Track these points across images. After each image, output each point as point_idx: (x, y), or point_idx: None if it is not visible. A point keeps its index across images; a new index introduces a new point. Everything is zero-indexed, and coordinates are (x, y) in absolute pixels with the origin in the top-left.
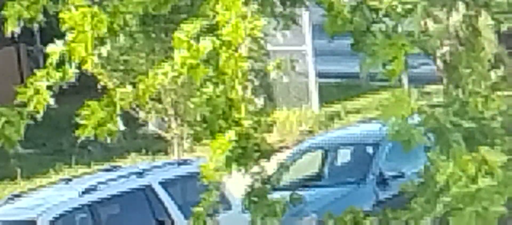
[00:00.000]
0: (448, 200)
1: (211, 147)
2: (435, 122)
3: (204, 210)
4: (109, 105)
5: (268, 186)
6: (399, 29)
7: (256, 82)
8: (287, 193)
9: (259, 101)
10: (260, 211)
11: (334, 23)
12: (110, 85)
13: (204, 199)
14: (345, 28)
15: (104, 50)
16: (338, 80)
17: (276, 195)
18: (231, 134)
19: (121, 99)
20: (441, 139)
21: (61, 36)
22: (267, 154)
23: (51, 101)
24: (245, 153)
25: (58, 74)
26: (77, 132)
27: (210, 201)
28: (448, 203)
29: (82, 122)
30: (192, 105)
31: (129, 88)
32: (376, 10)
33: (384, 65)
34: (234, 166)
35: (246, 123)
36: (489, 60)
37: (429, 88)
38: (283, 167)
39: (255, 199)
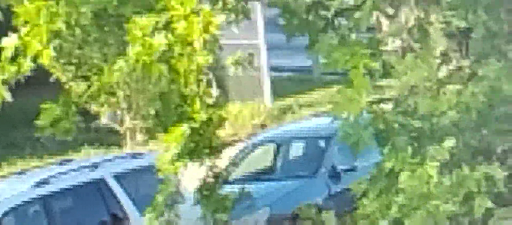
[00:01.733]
0: (401, 201)
1: (165, 141)
2: (383, 123)
3: (162, 200)
4: (65, 103)
5: (219, 181)
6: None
7: (211, 76)
8: (239, 187)
9: (215, 94)
10: (211, 206)
11: (290, 24)
12: (63, 79)
13: (162, 189)
14: (302, 29)
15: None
16: (291, 74)
17: (228, 189)
18: (184, 128)
19: (78, 96)
20: (388, 140)
21: (16, 30)
22: (218, 149)
23: (7, 95)
24: (197, 148)
25: (13, 68)
26: (35, 132)
27: (168, 191)
28: (402, 204)
29: (39, 122)
30: (145, 100)
31: (82, 83)
32: (328, 8)
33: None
34: (186, 159)
35: (200, 118)
36: (436, 58)
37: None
38: (235, 161)
39: (206, 193)
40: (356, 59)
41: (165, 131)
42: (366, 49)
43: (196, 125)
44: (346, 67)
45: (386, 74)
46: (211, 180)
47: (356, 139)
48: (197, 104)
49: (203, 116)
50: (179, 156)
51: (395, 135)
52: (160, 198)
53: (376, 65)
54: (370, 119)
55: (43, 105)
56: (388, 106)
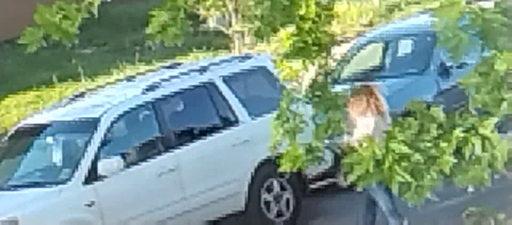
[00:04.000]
0: None
1: (281, 42)
2: (483, 22)
3: (286, 106)
4: (172, 8)
5: (331, 79)
6: None
7: None
8: (349, 86)
9: None
10: (323, 105)
11: None
12: None
13: (285, 95)
14: None
15: None
16: None
17: (338, 88)
18: (294, 29)
19: (185, 1)
20: (489, 40)
21: None
22: (327, 46)
23: None
24: (306, 47)
25: None
26: (145, 38)
27: (291, 96)
28: None
29: (148, 29)
30: (252, 2)
31: None
32: None
33: None
34: (296, 59)
35: (310, 16)
36: None
37: None
38: (344, 60)
39: (318, 92)
40: None
41: (274, 32)
42: None
43: (305, 25)
44: None
45: None
46: (322, 78)
47: (456, 42)
48: (309, 4)
49: (313, 15)
50: (287, 57)
51: (496, 34)
52: (284, 105)
53: None
54: (470, 20)
55: (151, 12)
56: (490, 3)
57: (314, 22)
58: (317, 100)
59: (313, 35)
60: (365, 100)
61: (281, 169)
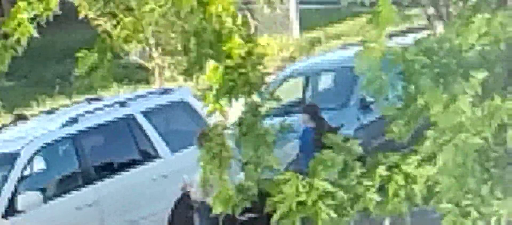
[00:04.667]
0: (435, 135)
1: (207, 79)
2: (404, 63)
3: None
4: (100, 50)
5: (259, 117)
6: None
7: (246, 11)
8: (269, 120)
9: (252, 28)
10: (251, 142)
11: None
12: (90, 15)
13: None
14: None
15: None
16: (319, 6)
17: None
18: (221, 67)
19: (115, 40)
20: (410, 80)
21: None
22: (258, 85)
23: (35, 32)
24: (235, 86)
25: (41, 6)
26: (74, 86)
27: (219, 129)
28: (436, 137)
29: (76, 72)
30: (175, 36)
31: (111, 22)
32: None
33: None
34: (224, 99)
35: (238, 54)
36: None
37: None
38: (273, 96)
39: (245, 130)
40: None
41: (200, 69)
42: None
43: (232, 63)
44: None
45: (415, 3)
46: (250, 116)
47: (377, 86)
48: (235, 40)
49: (241, 52)
50: (216, 97)
51: (418, 75)
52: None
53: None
54: (390, 61)
55: (77, 54)
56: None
57: (242, 58)
58: (245, 138)
59: (241, 72)
60: None
61: (213, 212)
